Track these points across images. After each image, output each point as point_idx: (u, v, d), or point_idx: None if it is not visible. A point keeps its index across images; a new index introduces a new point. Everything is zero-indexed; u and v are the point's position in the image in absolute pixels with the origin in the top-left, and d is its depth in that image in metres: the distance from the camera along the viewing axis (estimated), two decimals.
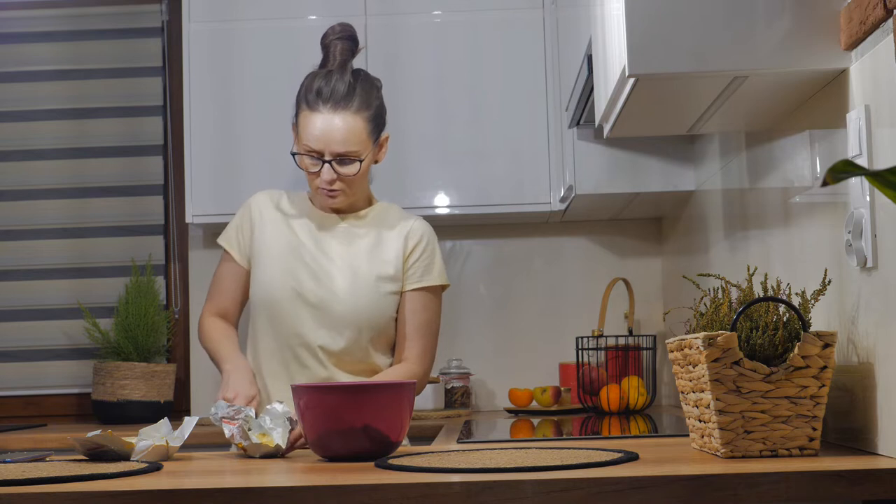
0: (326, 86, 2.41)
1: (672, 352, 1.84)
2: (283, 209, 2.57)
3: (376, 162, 2.54)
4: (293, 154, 2.47)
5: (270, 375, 2.50)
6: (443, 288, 2.56)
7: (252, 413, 2.06)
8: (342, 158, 2.42)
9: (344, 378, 2.47)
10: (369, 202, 2.59)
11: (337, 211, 2.55)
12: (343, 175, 2.43)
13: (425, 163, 3.50)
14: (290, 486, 1.49)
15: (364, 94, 2.45)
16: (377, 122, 2.48)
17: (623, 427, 2.60)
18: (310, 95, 2.42)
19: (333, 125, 2.40)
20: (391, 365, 2.54)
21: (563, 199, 3.41)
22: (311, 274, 2.48)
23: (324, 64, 2.50)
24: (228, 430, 2.02)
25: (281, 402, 2.04)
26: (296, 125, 2.47)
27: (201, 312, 2.59)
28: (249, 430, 1.99)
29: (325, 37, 2.52)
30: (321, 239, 2.52)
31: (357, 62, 2.56)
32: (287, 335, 2.48)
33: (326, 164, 2.41)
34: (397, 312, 2.52)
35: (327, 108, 2.40)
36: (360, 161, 2.43)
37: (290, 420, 2.00)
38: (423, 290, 2.52)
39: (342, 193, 2.47)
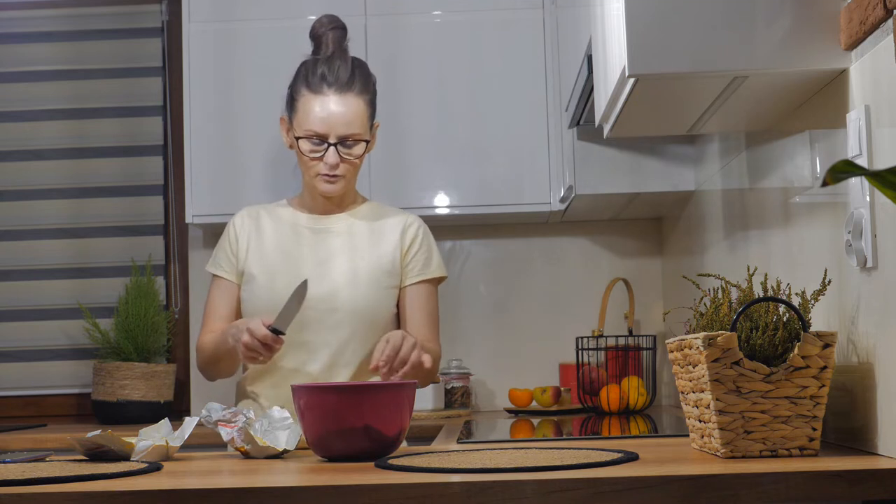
0: (330, 70, 2.43)
1: (672, 352, 1.84)
2: (263, 224, 2.56)
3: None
4: (297, 138, 2.46)
5: (263, 395, 2.50)
6: (440, 280, 2.60)
7: (252, 415, 2.04)
8: (346, 141, 2.42)
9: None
10: (356, 200, 2.60)
11: (327, 211, 2.54)
12: (347, 157, 2.43)
13: (425, 163, 3.50)
14: (290, 486, 1.49)
15: (363, 78, 2.48)
16: (374, 108, 2.52)
17: (623, 427, 2.60)
18: (313, 79, 2.43)
19: (339, 108, 2.41)
20: None
21: (563, 199, 3.41)
22: (301, 278, 2.46)
23: (316, 52, 2.50)
24: (227, 433, 1.97)
25: (282, 407, 2.01)
26: (291, 112, 2.47)
27: (196, 341, 2.59)
28: (253, 431, 1.95)
29: (314, 28, 2.53)
30: (312, 242, 2.51)
31: None
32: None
33: (331, 147, 2.41)
34: (397, 307, 2.54)
35: (332, 91, 2.42)
36: (366, 143, 2.46)
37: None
38: (425, 283, 2.55)
39: (342, 179, 2.47)
